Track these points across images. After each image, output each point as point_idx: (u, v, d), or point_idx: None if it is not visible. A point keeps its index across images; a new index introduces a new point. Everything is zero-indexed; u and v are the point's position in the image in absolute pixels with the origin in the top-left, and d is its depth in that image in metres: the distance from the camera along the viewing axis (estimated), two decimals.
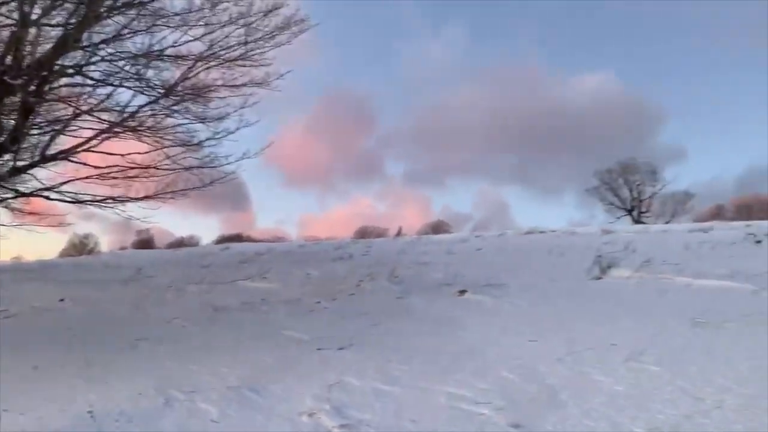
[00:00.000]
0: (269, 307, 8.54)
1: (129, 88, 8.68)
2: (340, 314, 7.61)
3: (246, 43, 8.74)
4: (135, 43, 8.35)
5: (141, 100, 8.85)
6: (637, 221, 62.18)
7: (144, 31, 8.18)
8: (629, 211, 70.79)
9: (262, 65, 9.10)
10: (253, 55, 8.93)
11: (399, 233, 29.57)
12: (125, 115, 8.82)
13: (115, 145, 9.35)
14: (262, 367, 5.30)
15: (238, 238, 45.10)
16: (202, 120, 9.30)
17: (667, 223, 52.64)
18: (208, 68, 8.92)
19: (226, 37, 8.63)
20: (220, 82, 9.10)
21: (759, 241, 13.36)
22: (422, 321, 6.81)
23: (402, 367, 4.91)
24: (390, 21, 79.00)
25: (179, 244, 43.58)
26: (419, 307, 7.57)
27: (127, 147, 9.35)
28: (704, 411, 3.60)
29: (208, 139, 9.34)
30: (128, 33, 8.16)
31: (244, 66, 9.01)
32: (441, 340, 5.75)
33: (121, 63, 8.42)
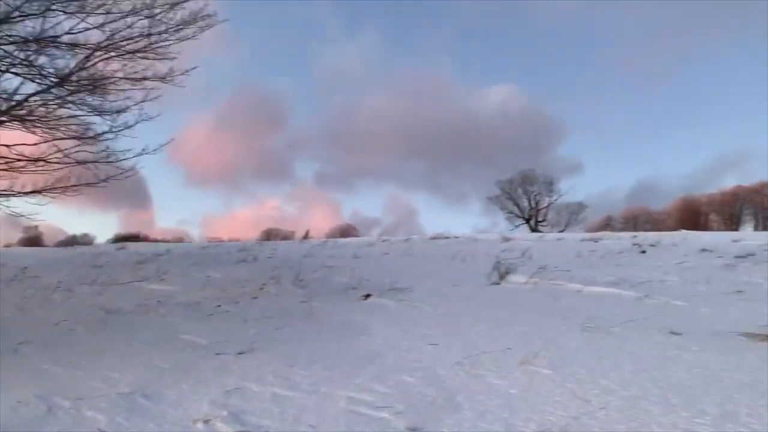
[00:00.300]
0: (166, 309, 8.20)
1: (17, 74, 8.11)
2: (242, 318, 7.43)
3: (149, 35, 8.39)
4: (26, 27, 7.82)
5: (31, 87, 8.28)
6: (534, 230, 65.21)
7: (36, 14, 7.67)
8: (527, 220, 74.07)
9: (165, 59, 8.77)
10: (156, 47, 8.59)
11: (306, 236, 29.28)
12: (12, 103, 8.21)
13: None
14: (156, 373, 5.08)
15: (135, 237, 43.24)
16: (100, 112, 8.83)
17: (561, 231, 55.52)
18: (107, 59, 8.48)
19: (128, 27, 8.25)
20: (120, 74, 8.68)
21: (644, 251, 14.36)
22: (326, 325, 6.77)
23: (303, 372, 4.86)
24: (306, 22, 78.82)
25: (71, 242, 41.13)
26: (323, 311, 7.52)
27: (14, 137, 8.70)
28: (590, 412, 3.79)
29: (105, 132, 8.88)
30: (19, 16, 7.62)
31: (147, 59, 8.66)
32: (344, 345, 5.74)
33: (9, 47, 7.85)
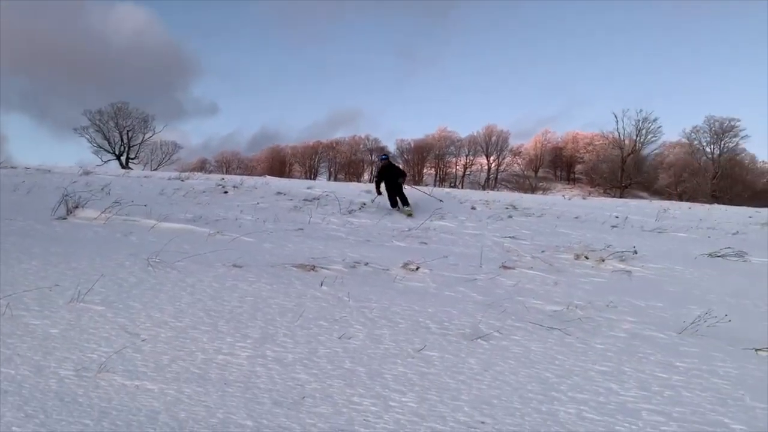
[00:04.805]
0: None
1: None
2: None
3: None
4: None
5: None
6: (125, 166, 61.94)
7: None
8: (118, 156, 69.92)
9: None
10: None
11: None
12: None
13: None
14: None
15: None
16: None
17: (154, 170, 54.12)
18: None
19: None
20: None
21: (226, 192, 14.92)
22: None
23: None
24: None
25: None
26: None
27: None
28: (137, 345, 3.67)
29: None
30: None
31: None
32: None
33: None
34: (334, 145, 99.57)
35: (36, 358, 3.39)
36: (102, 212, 8.56)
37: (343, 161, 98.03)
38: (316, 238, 9.04)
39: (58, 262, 5.61)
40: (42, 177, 15.38)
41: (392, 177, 14.23)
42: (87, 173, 17.22)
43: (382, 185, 14.41)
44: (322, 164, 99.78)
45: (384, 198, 14.43)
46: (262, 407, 2.97)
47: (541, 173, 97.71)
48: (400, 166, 15.59)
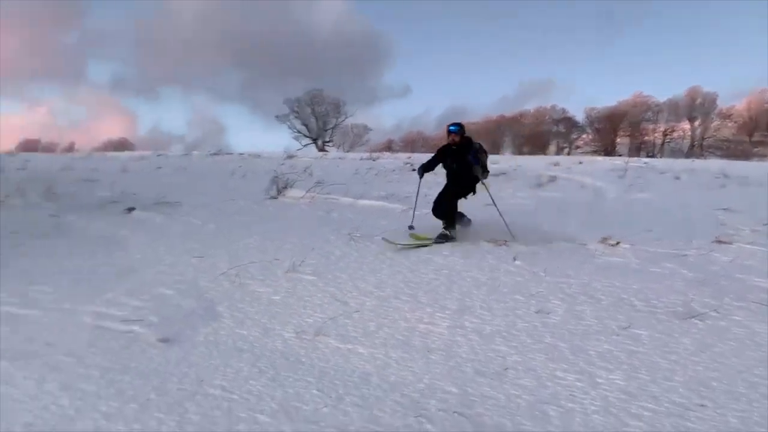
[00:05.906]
0: None
1: None
2: None
3: None
4: None
5: None
6: (321, 149, 66.26)
7: None
8: (315, 140, 75.01)
9: None
10: None
11: (71, 149, 26.34)
12: None
13: None
14: None
15: None
16: None
17: (347, 152, 57.21)
18: None
19: None
20: None
21: (414, 170, 15.36)
22: (79, 240, 6.14)
23: (45, 288, 4.37)
24: None
25: None
26: (77, 225, 6.81)
27: None
28: (347, 312, 3.97)
29: None
30: None
31: None
32: (97, 260, 5.26)
33: None
34: (519, 118, 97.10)
35: (263, 321, 3.82)
36: (306, 192, 9.30)
37: (527, 134, 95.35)
38: (505, 212, 8.94)
39: (274, 238, 6.23)
40: (253, 162, 17.07)
41: (464, 165, 6.94)
42: (290, 157, 18.75)
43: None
44: (505, 138, 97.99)
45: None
46: (465, 376, 3.05)
47: (756, 137, 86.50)
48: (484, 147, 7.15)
